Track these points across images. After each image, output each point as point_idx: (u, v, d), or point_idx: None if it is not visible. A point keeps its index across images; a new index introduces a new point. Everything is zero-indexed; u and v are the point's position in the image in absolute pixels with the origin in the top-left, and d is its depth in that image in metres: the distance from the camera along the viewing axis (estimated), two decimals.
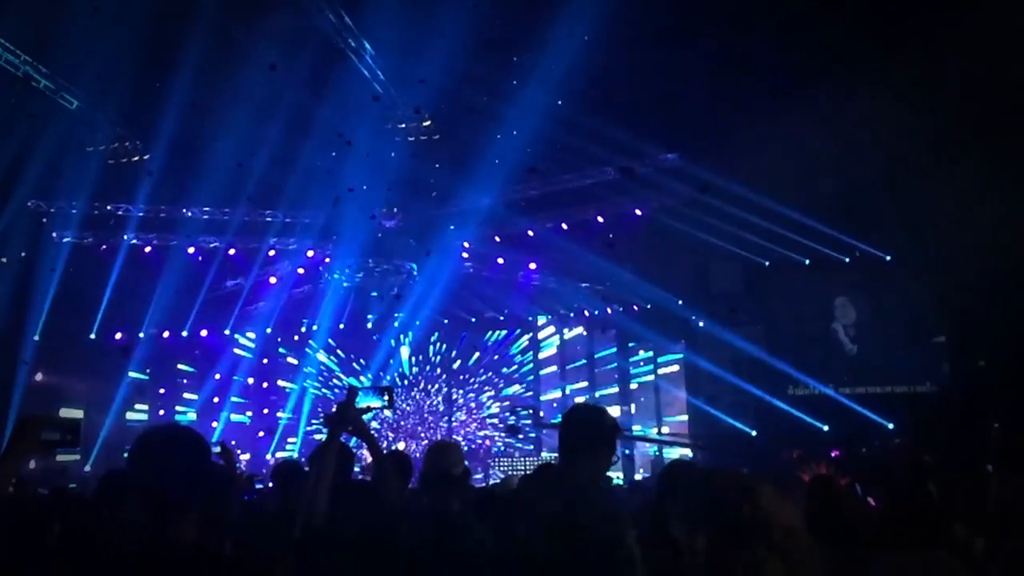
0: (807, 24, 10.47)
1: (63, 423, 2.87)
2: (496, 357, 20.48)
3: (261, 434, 19.93)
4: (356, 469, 6.24)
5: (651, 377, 18.69)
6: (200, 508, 2.43)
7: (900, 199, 13.72)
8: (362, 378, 19.93)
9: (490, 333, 20.55)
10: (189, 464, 2.41)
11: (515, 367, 20.56)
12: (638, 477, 15.95)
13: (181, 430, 2.62)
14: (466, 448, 19.28)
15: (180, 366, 20.28)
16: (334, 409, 3.65)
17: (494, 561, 2.99)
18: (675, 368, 18.10)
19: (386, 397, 4.00)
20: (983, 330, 13.31)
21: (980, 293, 12.82)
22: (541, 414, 18.58)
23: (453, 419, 20.36)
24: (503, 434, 19.04)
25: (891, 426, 14.51)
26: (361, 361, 20.41)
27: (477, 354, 20.46)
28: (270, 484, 5.50)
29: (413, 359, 20.49)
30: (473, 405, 20.46)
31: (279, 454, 19.22)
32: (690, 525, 2.42)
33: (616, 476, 14.75)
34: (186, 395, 20.06)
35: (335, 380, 20.72)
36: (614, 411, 18.14)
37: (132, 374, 18.17)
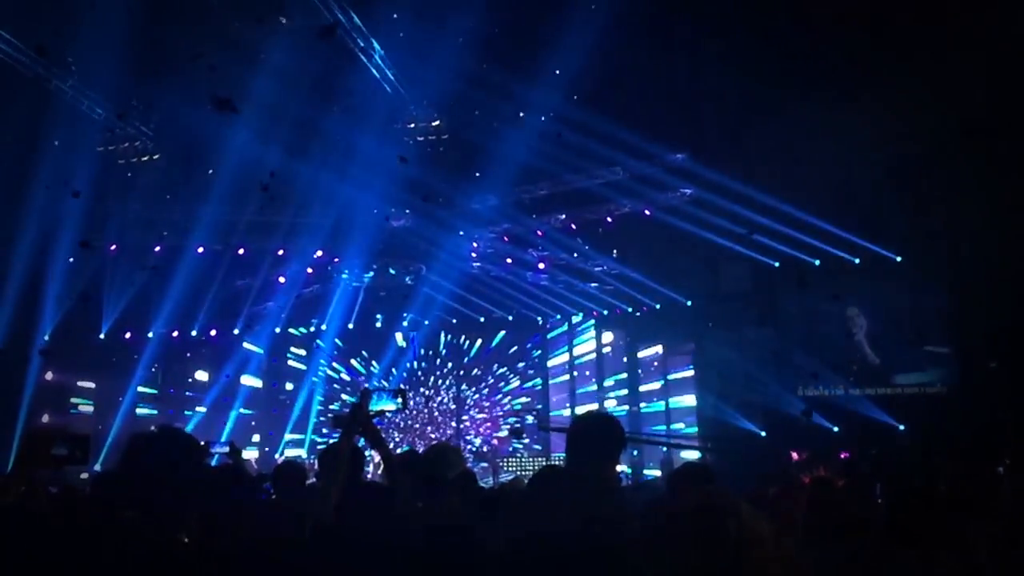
0: (816, 24, 10.45)
1: (72, 438, 2.86)
2: (514, 349, 20.42)
3: (271, 433, 20.02)
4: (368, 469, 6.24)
5: (660, 381, 18.63)
6: (200, 508, 2.44)
7: (910, 199, 13.67)
8: (356, 363, 20.00)
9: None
10: (179, 466, 2.42)
11: (529, 363, 20.48)
12: (654, 473, 15.92)
13: (171, 433, 2.63)
14: (475, 449, 19.29)
15: (189, 366, 20.36)
16: (333, 408, 3.67)
17: (499, 562, 2.98)
18: (685, 368, 18.06)
19: (399, 400, 4.00)
20: (994, 330, 13.25)
21: (990, 293, 12.76)
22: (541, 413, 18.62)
23: (464, 418, 20.33)
24: (512, 436, 19.03)
25: (902, 427, 14.46)
26: (364, 354, 20.45)
27: (502, 333, 20.33)
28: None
29: (422, 351, 20.46)
30: (487, 404, 20.40)
31: (288, 452, 19.27)
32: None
33: (624, 469, 14.74)
34: (195, 394, 20.11)
35: (331, 371, 20.72)
36: (622, 409, 18.17)
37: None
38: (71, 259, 15.19)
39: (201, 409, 19.50)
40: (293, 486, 4.86)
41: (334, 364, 20.68)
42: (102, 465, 15.17)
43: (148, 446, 2.52)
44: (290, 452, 19.34)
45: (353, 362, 20.63)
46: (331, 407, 19.89)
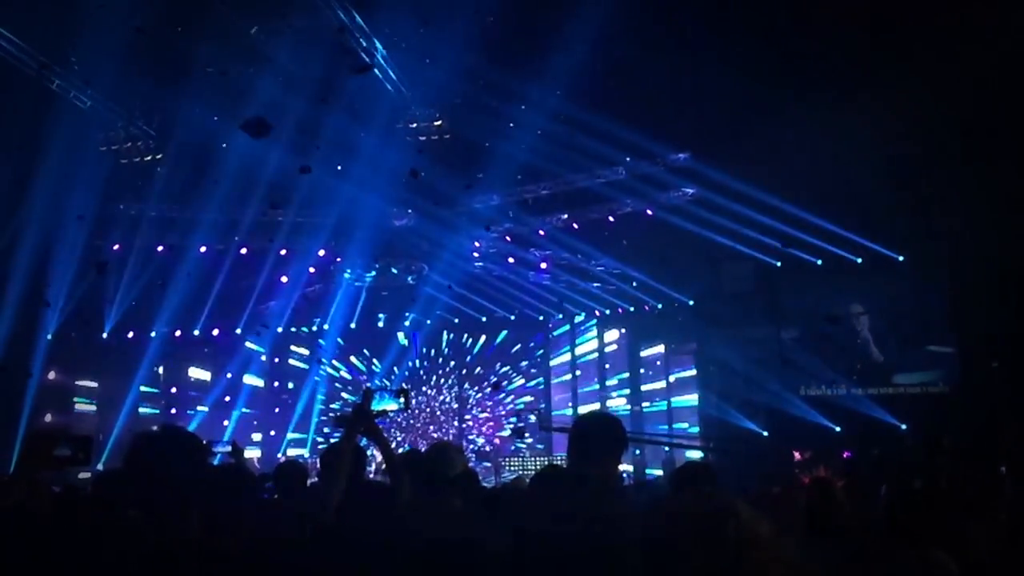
0: (816, 24, 10.44)
1: (74, 439, 2.86)
2: (516, 348, 20.41)
3: (273, 432, 20.03)
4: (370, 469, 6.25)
5: (662, 381, 18.63)
6: (201, 508, 2.45)
7: (911, 199, 13.66)
8: (358, 362, 19.98)
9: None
10: (181, 465, 2.42)
11: (532, 362, 20.47)
12: (656, 472, 15.91)
13: (173, 432, 2.63)
14: (477, 448, 19.29)
15: (192, 365, 20.36)
16: (335, 407, 3.68)
17: (500, 561, 2.99)
18: (687, 368, 18.05)
19: (402, 399, 4.01)
20: (996, 330, 13.23)
21: (992, 293, 12.75)
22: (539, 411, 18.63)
23: (466, 417, 20.32)
24: (514, 435, 19.03)
25: (904, 427, 14.44)
26: (366, 353, 20.47)
27: (504, 332, 20.29)
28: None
29: (424, 350, 20.46)
30: (489, 403, 20.39)
31: (290, 451, 19.28)
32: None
33: (626, 468, 14.74)
34: (197, 394, 20.11)
35: (331, 369, 20.70)
36: (624, 409, 18.17)
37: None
38: (74, 259, 15.20)
39: (203, 408, 19.50)
40: (295, 485, 4.87)
41: (334, 362, 20.65)
42: (104, 464, 15.20)
43: (150, 445, 2.53)
44: (292, 451, 19.34)
45: (355, 361, 20.64)
46: (333, 406, 19.91)
